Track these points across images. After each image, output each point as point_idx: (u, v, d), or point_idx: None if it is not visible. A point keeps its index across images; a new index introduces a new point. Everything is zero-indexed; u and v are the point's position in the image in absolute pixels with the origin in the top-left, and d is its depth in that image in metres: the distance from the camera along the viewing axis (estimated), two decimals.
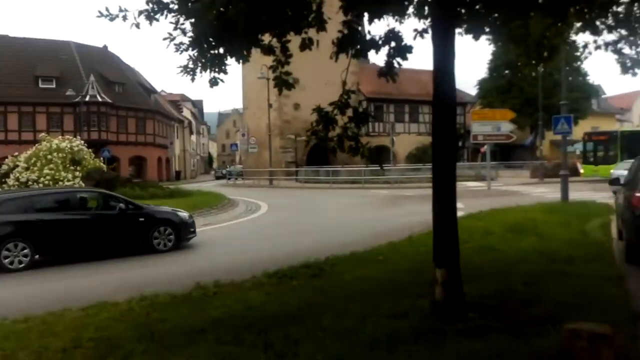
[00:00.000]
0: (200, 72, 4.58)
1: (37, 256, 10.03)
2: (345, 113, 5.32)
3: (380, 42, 4.93)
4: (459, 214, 15.07)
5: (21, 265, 9.80)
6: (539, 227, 11.23)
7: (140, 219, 11.26)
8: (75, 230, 10.55)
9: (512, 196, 21.54)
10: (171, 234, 11.41)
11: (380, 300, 5.94)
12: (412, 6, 5.56)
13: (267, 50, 4.95)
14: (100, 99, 39.89)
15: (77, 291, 7.86)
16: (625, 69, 7.62)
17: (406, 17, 6.47)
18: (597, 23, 7.26)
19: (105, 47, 47.88)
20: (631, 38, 7.35)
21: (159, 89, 69.28)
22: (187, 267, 9.64)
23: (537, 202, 16.72)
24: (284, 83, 5.13)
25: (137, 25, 4.49)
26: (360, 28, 5.12)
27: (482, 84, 45.59)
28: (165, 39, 4.32)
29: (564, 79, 18.46)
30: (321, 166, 35.37)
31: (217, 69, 4.60)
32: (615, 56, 7.60)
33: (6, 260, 9.71)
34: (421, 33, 5.21)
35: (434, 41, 5.50)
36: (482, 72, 46.59)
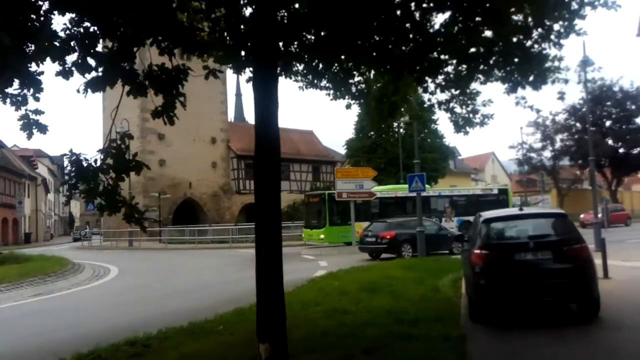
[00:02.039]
0: None
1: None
2: (122, 160, 4.49)
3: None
4: (321, 272, 15.08)
5: (408, 256, 18.77)
6: (394, 284, 11.12)
7: (449, 235, 20.63)
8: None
9: None
10: (460, 244, 17.57)
11: None
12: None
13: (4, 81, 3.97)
14: None
15: None
16: (457, 128, 7.78)
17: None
18: (429, 82, 7.38)
19: None
20: (461, 97, 7.55)
21: (10, 144, 63.30)
22: None
23: (396, 259, 16.94)
24: (34, 125, 4.18)
25: None
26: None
27: (350, 143, 47.24)
28: None
29: (417, 139, 19.35)
30: (186, 225, 33.76)
31: None
32: (448, 115, 7.76)
33: (403, 253, 19.08)
34: (213, 72, 4.68)
35: (255, 88, 5.06)
36: (351, 132, 48.37)
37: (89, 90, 4.03)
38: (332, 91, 7.90)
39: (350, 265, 15.16)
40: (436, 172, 45.82)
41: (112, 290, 14.72)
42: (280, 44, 6.00)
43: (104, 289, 14.86)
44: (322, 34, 6.45)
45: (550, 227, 7.96)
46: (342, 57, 7.05)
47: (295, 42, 6.30)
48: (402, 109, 8.84)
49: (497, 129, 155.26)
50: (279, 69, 6.30)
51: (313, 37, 6.52)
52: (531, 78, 6.75)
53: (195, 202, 43.34)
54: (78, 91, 3.98)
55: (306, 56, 6.59)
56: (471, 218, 28.75)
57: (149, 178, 40.01)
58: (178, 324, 8.27)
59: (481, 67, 6.99)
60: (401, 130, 40.56)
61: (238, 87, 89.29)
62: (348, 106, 8.18)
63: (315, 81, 7.74)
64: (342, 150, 50.75)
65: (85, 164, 4.20)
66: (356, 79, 7.94)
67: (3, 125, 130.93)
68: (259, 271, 4.82)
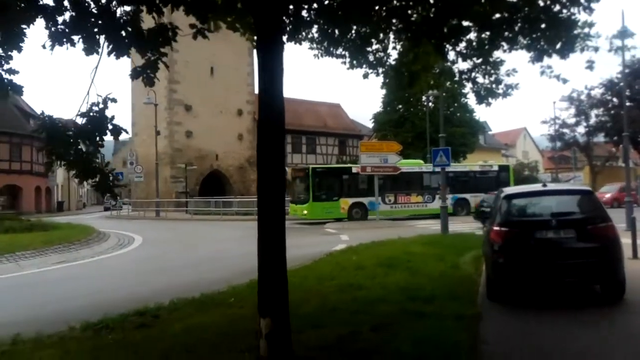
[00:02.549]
0: None
1: None
2: (99, 125, 4.23)
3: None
4: (341, 246, 14.95)
5: None
6: (413, 260, 10.93)
7: None
8: None
9: (398, 228, 21.53)
10: None
11: (202, 356, 5.03)
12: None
13: None
14: None
15: None
16: (480, 99, 7.40)
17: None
18: (450, 49, 7.01)
19: None
20: (483, 66, 7.16)
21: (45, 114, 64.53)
22: None
23: (418, 234, 16.64)
24: (8, 85, 3.97)
25: None
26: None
27: (377, 117, 46.63)
28: None
29: (442, 111, 18.84)
30: (212, 197, 33.99)
31: None
32: (470, 84, 7.39)
33: None
34: (201, 31, 4.40)
35: (259, 53, 4.81)
36: (379, 105, 47.65)
37: (57, 45, 3.82)
38: (348, 59, 7.60)
39: (371, 240, 14.95)
40: (465, 147, 44.99)
41: (133, 259, 14.88)
42: (291, 7, 5.74)
43: (126, 258, 15.04)
44: None
45: (574, 204, 7.59)
46: (358, 22, 6.76)
47: (305, 5, 6.03)
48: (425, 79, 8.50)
49: (530, 104, 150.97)
50: (286, 34, 6.06)
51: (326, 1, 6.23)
52: (558, 45, 6.32)
53: (221, 174, 43.63)
54: (43, 47, 3.80)
55: (321, 21, 6.30)
56: (467, 195, 27.71)
57: (176, 149, 40.41)
58: (192, 294, 8.25)
59: (505, 34, 6.59)
60: (430, 104, 39.79)
61: None
62: (365, 75, 7.86)
63: (331, 49, 7.45)
64: (370, 124, 50.22)
65: (60, 129, 4.03)
66: (374, 46, 7.62)
67: (41, 95, 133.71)
68: (261, 245, 4.65)
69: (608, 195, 31.23)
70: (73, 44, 3.81)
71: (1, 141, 40.02)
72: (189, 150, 40.63)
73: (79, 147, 4.09)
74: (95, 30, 3.76)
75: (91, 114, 4.01)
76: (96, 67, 4.04)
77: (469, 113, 46.50)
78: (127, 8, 3.95)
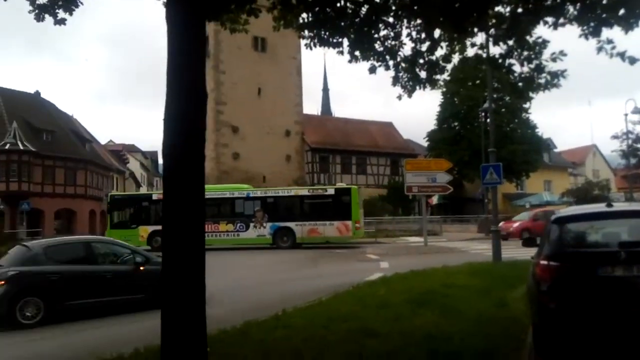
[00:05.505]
0: None
1: None
2: None
3: None
4: (377, 275, 13.24)
5: None
6: (450, 295, 9.29)
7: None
8: None
9: (447, 254, 19.62)
10: None
11: None
12: None
13: None
14: (21, 147, 36.78)
15: None
16: (516, 92, 5.72)
17: None
18: (474, 30, 5.40)
19: (37, 92, 45.18)
20: (519, 50, 5.47)
21: (105, 140, 66.83)
22: None
23: (466, 262, 14.71)
24: None
25: None
26: None
27: (431, 135, 44.62)
28: None
29: (492, 121, 16.95)
30: None
31: None
32: (504, 73, 5.72)
33: None
34: None
35: (169, 31, 3.41)
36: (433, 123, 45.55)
37: None
38: (348, 49, 6.11)
39: (411, 269, 13.18)
40: (527, 165, 42.16)
41: None
42: None
43: None
44: None
45: None
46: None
47: None
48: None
49: (600, 117, 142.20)
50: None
51: None
52: (621, 12, 4.59)
53: None
54: None
55: None
56: (292, 224, 24.21)
57: (222, 171, 39.91)
58: None
59: (547, 2, 4.93)
60: (487, 120, 37.46)
61: (325, 82, 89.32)
62: (372, 69, 6.33)
63: (325, 35, 6.00)
64: (424, 143, 48.14)
65: None
66: (381, 32, 6.10)
67: (99, 123, 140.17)
68: (168, 289, 3.18)
69: None
70: None
71: (57, 166, 40.81)
72: (235, 172, 40.00)
73: None
74: None
75: None
76: None
77: (530, 129, 43.68)
78: None
